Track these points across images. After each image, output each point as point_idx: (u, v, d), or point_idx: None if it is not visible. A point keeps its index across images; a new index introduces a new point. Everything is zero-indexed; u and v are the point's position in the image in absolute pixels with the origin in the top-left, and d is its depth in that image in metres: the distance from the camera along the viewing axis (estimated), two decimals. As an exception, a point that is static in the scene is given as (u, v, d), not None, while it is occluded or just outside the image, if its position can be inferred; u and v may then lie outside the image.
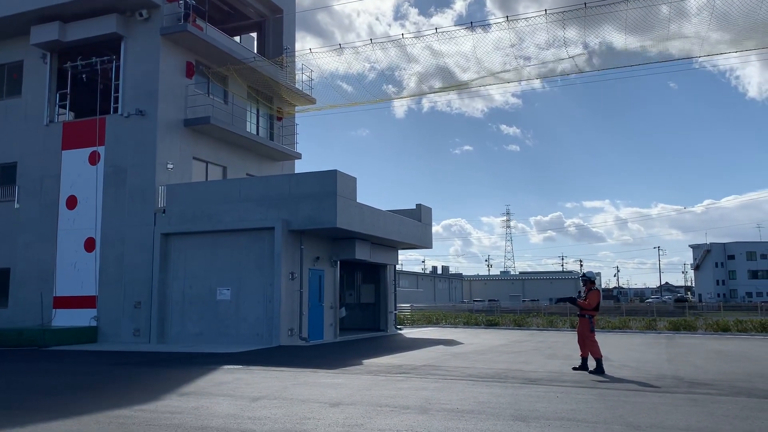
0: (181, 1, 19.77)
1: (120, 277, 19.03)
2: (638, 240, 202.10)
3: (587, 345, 11.32)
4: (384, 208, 20.95)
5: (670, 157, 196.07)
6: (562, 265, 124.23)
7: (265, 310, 17.28)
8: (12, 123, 21.33)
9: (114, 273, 19.11)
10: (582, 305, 11.52)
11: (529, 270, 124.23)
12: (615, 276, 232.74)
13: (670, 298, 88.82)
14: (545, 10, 16.93)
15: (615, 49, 18.37)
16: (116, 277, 19.06)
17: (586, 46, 18.71)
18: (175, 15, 19.76)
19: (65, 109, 21.23)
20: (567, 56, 18.40)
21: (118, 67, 20.00)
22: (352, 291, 25.39)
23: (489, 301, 66.29)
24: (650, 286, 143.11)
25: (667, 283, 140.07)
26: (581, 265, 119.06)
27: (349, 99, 22.10)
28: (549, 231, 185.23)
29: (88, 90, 21.29)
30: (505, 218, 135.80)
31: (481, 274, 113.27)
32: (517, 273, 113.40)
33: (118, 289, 18.99)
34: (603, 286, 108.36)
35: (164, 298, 18.50)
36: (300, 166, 26.32)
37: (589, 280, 11.87)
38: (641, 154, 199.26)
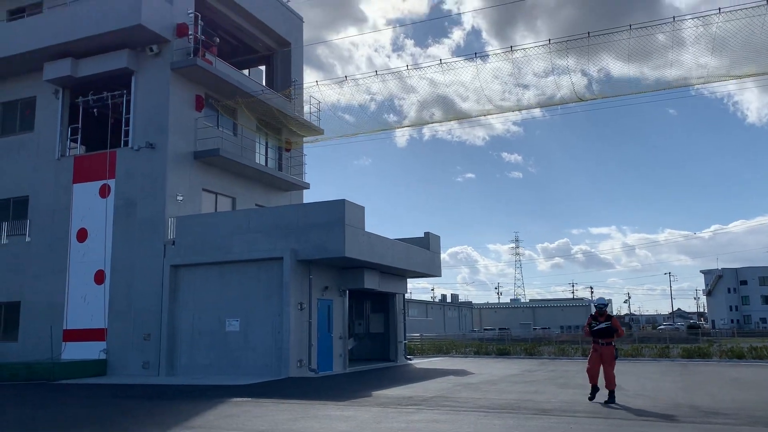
0: (190, 36, 20.14)
1: (129, 310, 19.04)
2: (647, 266, 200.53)
3: (608, 373, 11.09)
4: (391, 237, 20.98)
5: (674, 183, 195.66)
6: (573, 292, 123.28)
7: (274, 341, 17.20)
8: (25, 158, 21.61)
9: (123, 305, 19.13)
10: (619, 334, 11.41)
11: (539, 297, 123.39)
12: (626, 303, 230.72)
13: (682, 325, 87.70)
14: (549, 40, 17.13)
15: (613, 76, 18.49)
16: (125, 310, 19.08)
17: (584, 73, 18.86)
18: (184, 50, 20.11)
19: (77, 143, 21.51)
20: (565, 84, 18.52)
21: (128, 101, 20.31)
22: (361, 321, 25.26)
23: (499, 329, 65.69)
24: (662, 313, 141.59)
25: (679, 309, 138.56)
26: (592, 292, 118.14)
27: (353, 129, 22.30)
28: (556, 258, 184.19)
29: (99, 124, 21.59)
30: (512, 245, 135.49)
31: (490, 302, 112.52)
32: (527, 300, 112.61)
33: (127, 322, 18.98)
34: (614, 313, 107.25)
35: (173, 330, 18.47)
36: (307, 196, 26.45)
37: (605, 307, 11.72)
38: (645, 180, 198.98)
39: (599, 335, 11.33)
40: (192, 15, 20.36)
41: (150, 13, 19.02)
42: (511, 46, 18.07)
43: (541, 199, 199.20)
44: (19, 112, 22.24)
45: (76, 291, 19.82)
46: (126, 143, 20.13)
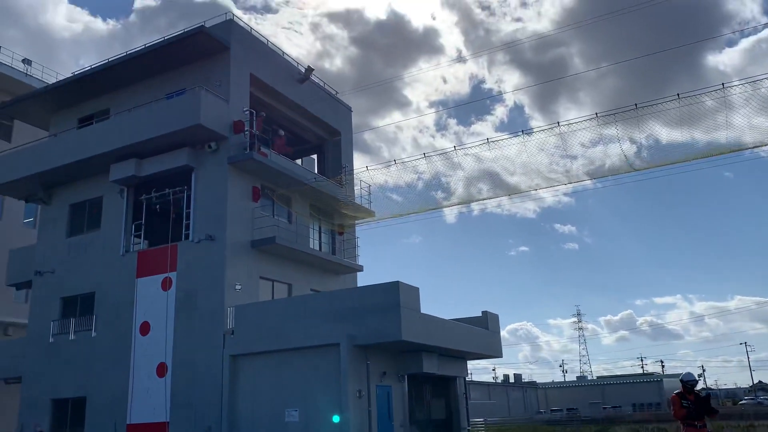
0: (246, 132, 21.10)
1: (190, 402, 19.07)
2: (719, 336, 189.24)
3: None
4: (446, 317, 20.63)
5: (738, 247, 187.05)
6: (642, 367, 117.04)
7: None
8: (92, 255, 22.59)
9: (184, 398, 19.20)
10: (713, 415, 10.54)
11: (607, 374, 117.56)
12: (701, 377, 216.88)
13: (766, 399, 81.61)
14: (596, 114, 17.17)
15: (662, 143, 18.23)
16: (187, 402, 19.12)
17: (633, 141, 18.65)
18: (241, 144, 21.04)
19: (140, 238, 22.40)
20: (614, 152, 18.33)
21: (189, 196, 21.18)
22: (421, 407, 24.49)
23: (567, 409, 62.57)
24: (742, 386, 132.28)
25: (760, 381, 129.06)
26: (663, 367, 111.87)
27: (402, 209, 22.53)
28: (621, 330, 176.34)
29: (161, 219, 22.49)
30: (574, 319, 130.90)
31: (555, 380, 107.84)
32: (595, 378, 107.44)
33: (188, 415, 18.97)
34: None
35: (234, 422, 18.32)
36: (361, 278, 26.54)
37: (695, 384, 10.78)
38: (707, 246, 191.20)
39: (694, 416, 10.40)
40: (247, 112, 21.42)
41: (208, 113, 20.11)
42: (558, 122, 18.18)
43: (600, 269, 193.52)
44: (87, 212, 23.46)
45: (139, 385, 20.07)
46: (187, 236, 20.84)
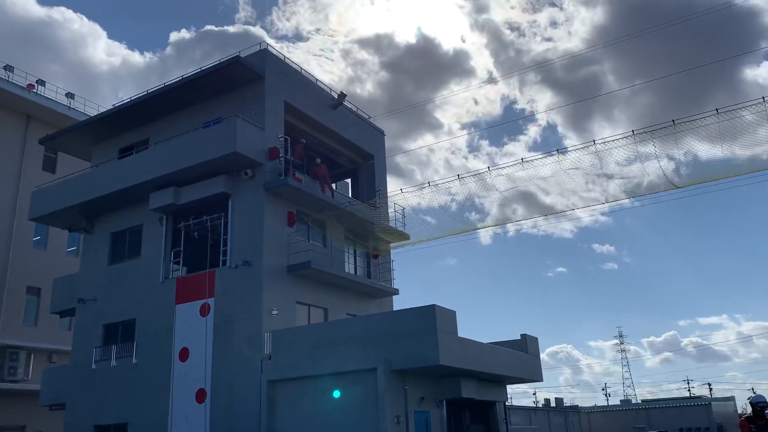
0: (281, 158, 21.36)
1: (230, 428, 19.09)
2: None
3: None
4: (484, 340, 20.33)
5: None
6: (689, 390, 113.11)
7: (372, 458, 16.60)
8: (132, 282, 23.01)
9: (224, 423, 19.23)
10: None
11: (651, 397, 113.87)
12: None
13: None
14: (632, 131, 16.91)
15: (701, 159, 17.79)
16: (226, 428, 19.14)
17: (670, 158, 18.25)
18: (276, 171, 21.29)
19: (179, 265, 22.74)
20: (652, 170, 17.95)
21: (225, 223, 21.47)
22: (461, 432, 24.07)
23: (611, 435, 60.65)
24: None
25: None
26: (710, 389, 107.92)
27: (436, 231, 22.42)
28: (665, 352, 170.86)
29: (198, 245, 22.82)
30: (616, 341, 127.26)
31: (598, 404, 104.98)
32: (639, 401, 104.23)
33: (227, 440, 18.98)
34: (740, 412, 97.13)
35: (272, 448, 18.25)
36: (397, 302, 26.43)
37: (766, 405, 10.14)
38: (753, 263, 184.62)
39: None
40: (282, 139, 21.71)
41: (244, 141, 20.44)
42: (594, 140, 17.95)
43: (641, 290, 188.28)
44: (128, 240, 23.95)
45: (178, 411, 20.21)
46: (224, 262, 21.08)
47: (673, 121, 16.31)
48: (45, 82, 32.96)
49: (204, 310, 20.78)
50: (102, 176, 23.83)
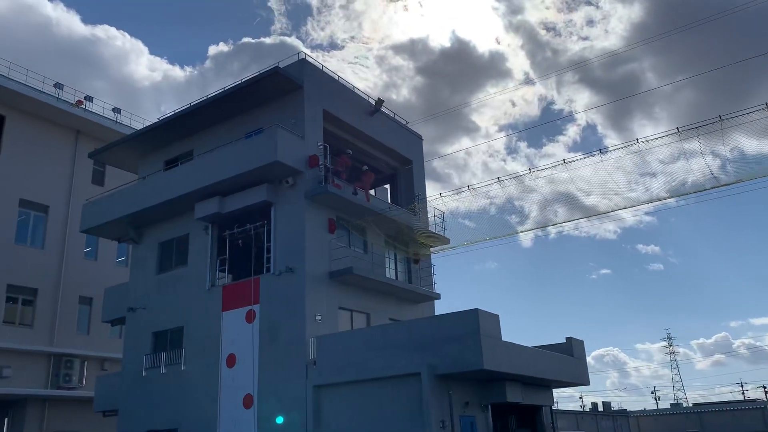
0: (321, 165, 21.62)
1: (276, 433, 19.35)
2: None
3: None
4: (528, 344, 20.13)
5: None
6: (743, 393, 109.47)
7: (418, 462, 16.61)
8: (180, 290, 23.57)
9: (270, 430, 19.50)
10: None
11: (703, 401, 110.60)
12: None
13: None
14: (677, 128, 16.56)
15: (748, 155, 17.28)
16: (272, 433, 19.41)
17: (715, 155, 17.77)
18: (316, 178, 21.56)
19: (224, 273, 23.20)
20: (696, 167, 17.49)
21: (269, 231, 21.82)
22: (507, 436, 23.85)
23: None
24: None
25: None
26: (766, 392, 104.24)
27: (475, 235, 22.30)
28: (716, 354, 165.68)
29: (243, 253, 23.23)
30: (664, 344, 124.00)
31: (648, 408, 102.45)
32: (691, 405, 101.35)
33: (274, 445, 19.24)
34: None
35: (318, 453, 18.42)
36: (438, 306, 26.37)
37: None
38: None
39: None
40: (322, 147, 21.97)
41: (285, 150, 20.77)
42: (637, 139, 17.63)
43: (689, 290, 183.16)
44: (175, 249, 24.55)
45: (226, 416, 20.58)
46: (268, 269, 21.42)
47: (719, 116, 15.91)
48: (92, 98, 34.14)
49: (250, 317, 21.14)
50: (149, 188, 24.51)
